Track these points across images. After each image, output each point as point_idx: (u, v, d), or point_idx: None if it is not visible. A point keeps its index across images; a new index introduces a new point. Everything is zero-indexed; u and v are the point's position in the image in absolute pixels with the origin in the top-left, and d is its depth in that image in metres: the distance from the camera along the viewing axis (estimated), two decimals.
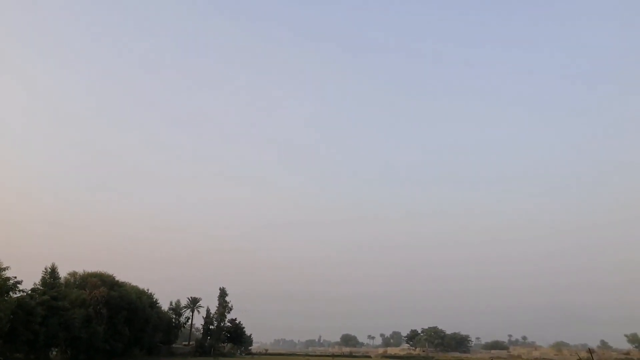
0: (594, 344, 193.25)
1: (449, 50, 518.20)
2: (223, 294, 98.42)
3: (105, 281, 64.84)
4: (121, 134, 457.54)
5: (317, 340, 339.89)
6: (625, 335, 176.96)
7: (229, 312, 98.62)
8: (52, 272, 55.53)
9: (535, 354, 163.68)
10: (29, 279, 72.81)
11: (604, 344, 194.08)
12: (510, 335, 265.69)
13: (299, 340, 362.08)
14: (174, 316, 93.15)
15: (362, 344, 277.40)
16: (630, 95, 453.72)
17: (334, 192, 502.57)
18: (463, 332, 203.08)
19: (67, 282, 63.52)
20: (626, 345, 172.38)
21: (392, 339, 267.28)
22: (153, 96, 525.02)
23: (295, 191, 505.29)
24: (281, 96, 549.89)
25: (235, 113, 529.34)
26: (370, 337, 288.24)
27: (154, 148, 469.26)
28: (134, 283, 75.74)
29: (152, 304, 77.70)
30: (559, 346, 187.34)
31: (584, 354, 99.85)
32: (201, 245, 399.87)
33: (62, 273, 60.75)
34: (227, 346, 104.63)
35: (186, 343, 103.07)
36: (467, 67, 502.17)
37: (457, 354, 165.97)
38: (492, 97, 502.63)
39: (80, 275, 67.14)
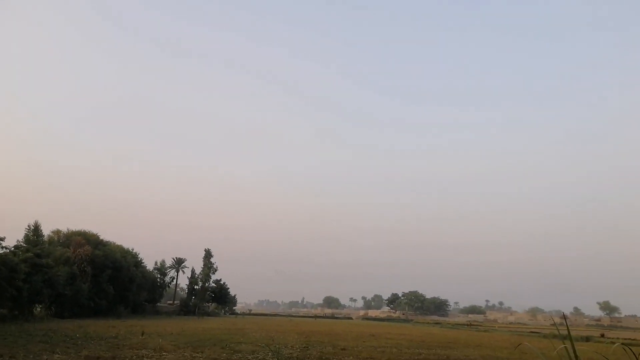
0: (567, 310, 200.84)
1: None
2: (208, 255, 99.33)
3: (89, 240, 64.64)
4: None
5: (300, 301, 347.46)
6: (598, 303, 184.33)
7: (213, 273, 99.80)
8: (36, 230, 55.11)
9: (511, 318, 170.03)
10: (11, 236, 72.54)
11: (577, 311, 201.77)
12: (487, 301, 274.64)
13: (282, 302, 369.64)
14: (158, 276, 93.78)
15: (344, 306, 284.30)
16: None
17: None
18: (442, 297, 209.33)
19: (51, 240, 63.19)
20: (598, 313, 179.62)
21: (374, 302, 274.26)
22: None
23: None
24: None
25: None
26: (352, 300, 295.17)
27: (139, 105, 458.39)
28: (118, 243, 75.91)
29: (137, 263, 77.98)
30: (533, 312, 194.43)
31: (557, 319, 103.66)
32: (187, 208, 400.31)
33: (46, 231, 60.48)
34: (212, 306, 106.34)
35: (171, 302, 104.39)
36: None
37: (435, 317, 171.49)
38: None
39: (64, 233, 66.78)
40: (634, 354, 3.89)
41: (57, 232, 66.96)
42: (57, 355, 17.29)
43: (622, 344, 5.06)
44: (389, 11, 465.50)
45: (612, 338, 50.82)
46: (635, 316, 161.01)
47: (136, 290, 74.44)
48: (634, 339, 43.84)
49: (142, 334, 28.96)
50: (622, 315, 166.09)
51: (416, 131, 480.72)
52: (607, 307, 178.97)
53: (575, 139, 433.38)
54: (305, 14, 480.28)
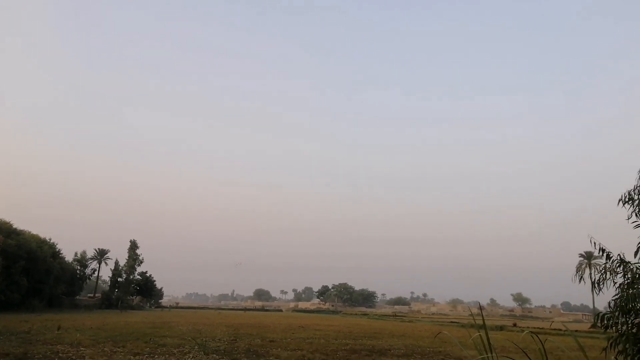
0: (484, 301, 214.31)
1: None
2: (134, 246, 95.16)
3: (1, 228, 59.83)
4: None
5: (230, 294, 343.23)
6: (511, 295, 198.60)
7: (139, 265, 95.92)
8: None
9: (433, 309, 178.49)
10: None
11: (493, 302, 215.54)
12: (412, 293, 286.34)
13: (211, 295, 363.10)
14: (78, 267, 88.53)
15: (274, 299, 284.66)
16: None
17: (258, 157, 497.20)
18: (370, 289, 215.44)
19: None
20: (512, 304, 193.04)
21: (304, 294, 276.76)
22: None
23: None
24: None
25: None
26: (283, 292, 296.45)
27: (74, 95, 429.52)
28: (35, 232, 70.80)
29: (55, 254, 73.05)
30: (454, 303, 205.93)
31: (474, 310, 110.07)
32: (111, 195, 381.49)
33: None
34: (136, 299, 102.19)
35: (92, 295, 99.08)
36: None
37: (363, 309, 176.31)
38: None
39: None
40: (540, 340, 4.21)
41: None
42: None
43: (531, 332, 5.50)
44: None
45: (523, 327, 54.83)
46: (544, 307, 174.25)
47: (53, 282, 69.97)
48: (541, 328, 47.56)
49: (58, 329, 27.25)
50: (533, 306, 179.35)
51: (361, 125, 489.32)
52: (519, 298, 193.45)
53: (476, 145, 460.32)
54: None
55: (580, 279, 9.99)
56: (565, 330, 40.76)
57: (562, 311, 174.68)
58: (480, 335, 4.23)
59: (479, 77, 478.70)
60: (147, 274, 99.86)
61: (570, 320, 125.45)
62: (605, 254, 7.35)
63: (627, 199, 7.50)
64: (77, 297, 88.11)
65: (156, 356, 17.08)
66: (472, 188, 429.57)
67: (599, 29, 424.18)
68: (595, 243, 7.34)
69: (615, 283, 7.20)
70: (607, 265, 7.28)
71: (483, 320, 4.27)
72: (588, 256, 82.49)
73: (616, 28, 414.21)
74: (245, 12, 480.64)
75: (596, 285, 7.40)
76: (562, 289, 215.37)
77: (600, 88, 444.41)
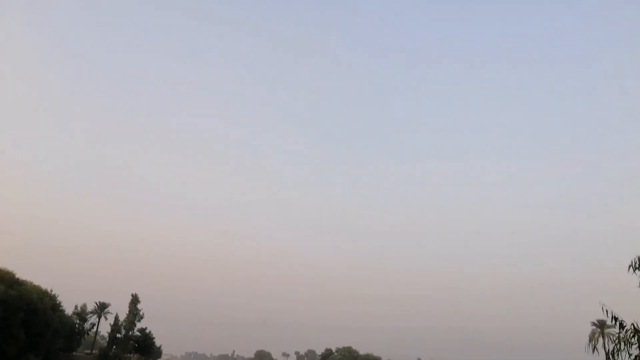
0: None
1: None
2: (135, 300, 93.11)
3: (2, 278, 59.18)
4: None
5: (230, 354, 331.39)
6: None
7: (139, 321, 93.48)
8: None
9: None
10: None
11: None
12: (419, 358, 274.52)
13: (211, 354, 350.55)
14: (78, 321, 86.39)
15: None
16: None
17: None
18: (376, 353, 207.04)
19: None
20: None
21: (307, 357, 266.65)
22: None
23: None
24: None
25: None
26: (285, 355, 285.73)
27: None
28: (37, 283, 69.87)
29: (55, 306, 71.51)
30: None
31: None
32: (112, 246, 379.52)
33: None
34: (134, 357, 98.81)
35: (89, 352, 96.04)
36: None
37: None
38: None
39: None
40: None
41: None
42: None
43: None
44: None
45: None
46: None
47: (51, 336, 68.11)
48: None
49: None
50: None
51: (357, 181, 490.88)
52: None
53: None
54: None
55: (594, 349, 9.74)
56: None
57: None
58: None
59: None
60: (147, 330, 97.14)
61: None
62: (618, 323, 7.10)
63: (637, 266, 7.32)
64: (74, 352, 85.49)
65: None
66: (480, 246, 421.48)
67: None
68: (607, 311, 7.11)
69: (631, 355, 6.93)
70: (621, 335, 7.03)
71: None
72: (601, 325, 79.30)
73: None
74: None
75: (610, 356, 7.06)
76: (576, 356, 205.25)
77: None
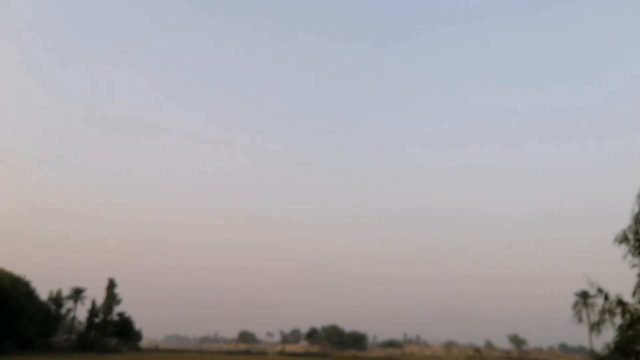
0: (479, 343, 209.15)
1: None
2: (112, 284, 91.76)
3: None
4: None
5: (213, 336, 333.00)
6: (507, 336, 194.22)
7: (117, 305, 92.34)
8: None
9: (427, 352, 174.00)
10: None
11: (488, 344, 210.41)
12: (405, 334, 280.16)
13: (193, 337, 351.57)
14: (53, 307, 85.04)
15: (260, 341, 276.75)
16: None
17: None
18: (361, 331, 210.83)
19: None
20: (508, 345, 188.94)
21: (292, 337, 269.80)
22: None
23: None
24: None
25: None
26: (269, 334, 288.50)
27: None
28: (9, 268, 68.20)
29: (29, 292, 70.19)
30: (448, 345, 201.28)
31: (470, 353, 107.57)
32: (90, 231, 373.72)
33: None
34: (114, 341, 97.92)
35: (67, 337, 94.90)
36: None
37: (354, 352, 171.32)
38: None
39: None
40: None
41: None
42: None
43: None
44: None
45: None
46: (540, 348, 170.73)
47: (26, 323, 66.95)
48: None
49: None
50: (530, 348, 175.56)
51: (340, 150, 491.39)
52: (516, 340, 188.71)
53: None
54: None
55: (580, 320, 9.65)
56: None
57: (559, 353, 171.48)
58: None
59: None
60: (126, 314, 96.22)
61: None
62: (603, 294, 7.25)
63: (622, 239, 7.58)
64: (52, 338, 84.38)
65: None
66: (469, 225, 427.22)
67: None
68: (592, 283, 7.33)
69: (614, 325, 7.11)
70: (606, 306, 7.19)
71: None
72: (583, 295, 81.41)
73: None
74: None
75: (596, 326, 7.21)
76: (558, 330, 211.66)
77: None
